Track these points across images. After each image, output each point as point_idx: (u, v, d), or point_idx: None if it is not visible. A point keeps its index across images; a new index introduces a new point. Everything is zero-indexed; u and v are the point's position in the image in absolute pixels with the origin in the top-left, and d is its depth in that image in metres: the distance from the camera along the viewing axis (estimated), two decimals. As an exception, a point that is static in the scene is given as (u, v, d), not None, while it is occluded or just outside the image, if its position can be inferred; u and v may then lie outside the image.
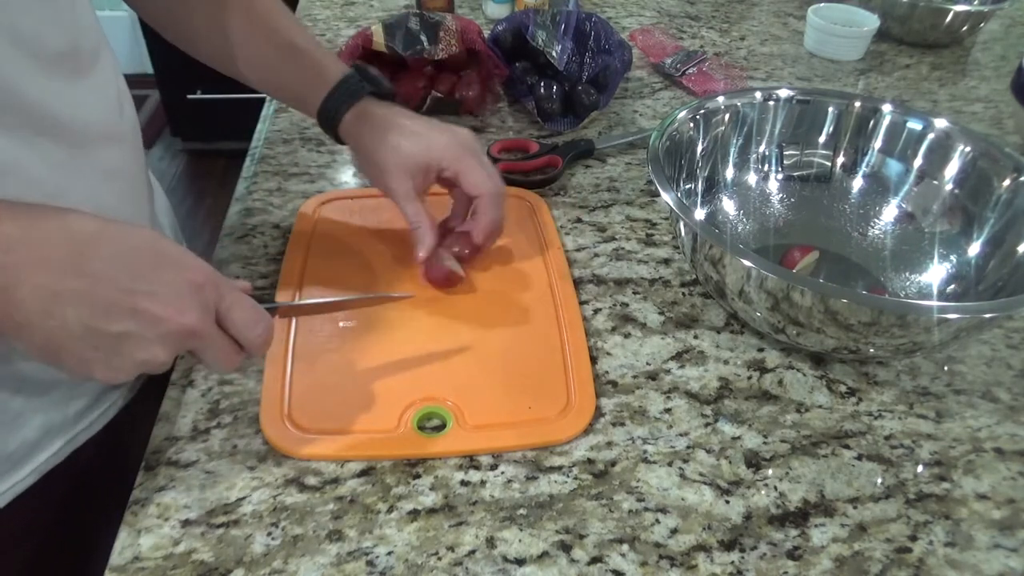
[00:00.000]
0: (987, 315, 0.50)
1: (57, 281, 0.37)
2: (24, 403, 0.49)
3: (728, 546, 0.46)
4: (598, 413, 0.53)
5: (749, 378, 0.57)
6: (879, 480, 0.50)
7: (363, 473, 0.48)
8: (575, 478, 0.49)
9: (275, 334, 0.55)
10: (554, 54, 0.82)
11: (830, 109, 0.70)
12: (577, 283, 0.64)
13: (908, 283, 0.65)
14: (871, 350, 0.54)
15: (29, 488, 0.51)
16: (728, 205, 0.70)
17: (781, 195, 0.71)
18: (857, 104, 0.70)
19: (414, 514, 0.46)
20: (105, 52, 0.53)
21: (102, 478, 0.56)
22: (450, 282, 0.61)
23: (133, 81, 0.61)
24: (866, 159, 0.70)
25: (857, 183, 0.71)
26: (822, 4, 1.08)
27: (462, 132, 0.60)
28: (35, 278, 0.37)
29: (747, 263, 0.51)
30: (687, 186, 0.67)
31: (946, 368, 0.59)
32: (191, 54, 0.64)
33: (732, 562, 0.45)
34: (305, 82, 0.62)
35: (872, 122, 0.69)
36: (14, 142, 0.43)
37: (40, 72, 0.44)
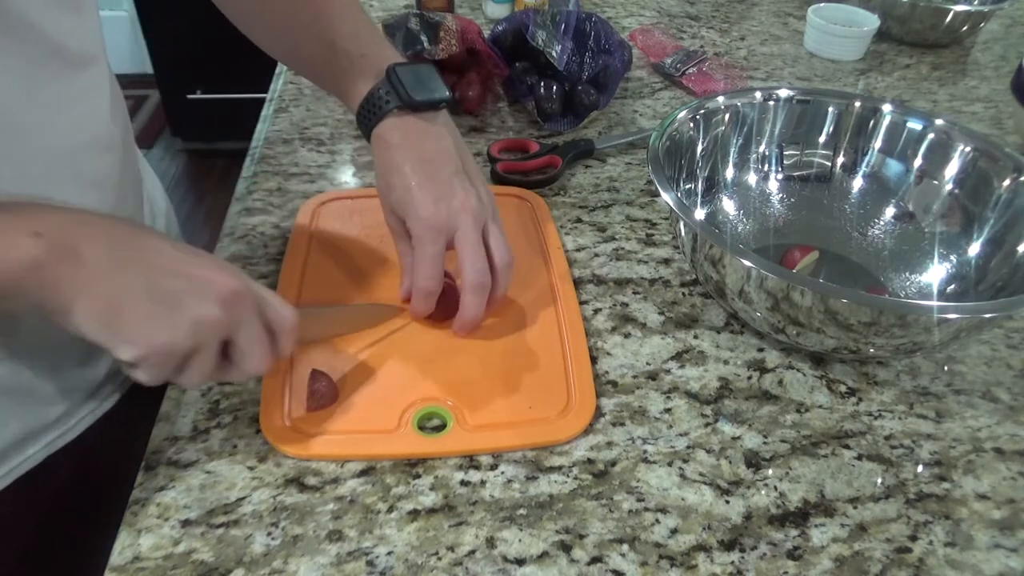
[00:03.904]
0: (987, 315, 0.50)
1: (120, 247, 0.40)
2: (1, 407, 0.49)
3: (728, 546, 0.46)
4: (598, 413, 0.53)
5: (749, 378, 0.57)
6: (879, 480, 0.50)
7: (363, 473, 0.48)
8: (575, 478, 0.49)
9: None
10: (554, 54, 0.82)
11: (830, 109, 0.70)
12: (577, 283, 0.64)
13: (908, 283, 0.65)
14: (871, 350, 0.54)
15: (10, 486, 0.51)
16: (728, 205, 0.70)
17: (781, 195, 0.71)
18: (857, 104, 0.70)
19: (414, 514, 0.46)
20: (99, 60, 0.52)
21: (100, 478, 0.56)
22: (439, 316, 0.57)
23: (133, 81, 0.61)
24: (866, 159, 0.70)
25: (857, 183, 0.71)
26: (822, 4, 1.08)
27: (439, 207, 0.52)
28: (99, 244, 0.39)
29: (747, 263, 0.51)
30: (687, 186, 0.67)
31: (946, 368, 0.59)
32: (246, 33, 0.62)
33: (732, 562, 0.45)
34: (344, 91, 0.58)
35: (872, 122, 0.69)
36: None
37: (22, 77, 0.44)
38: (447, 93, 0.56)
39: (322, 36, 0.57)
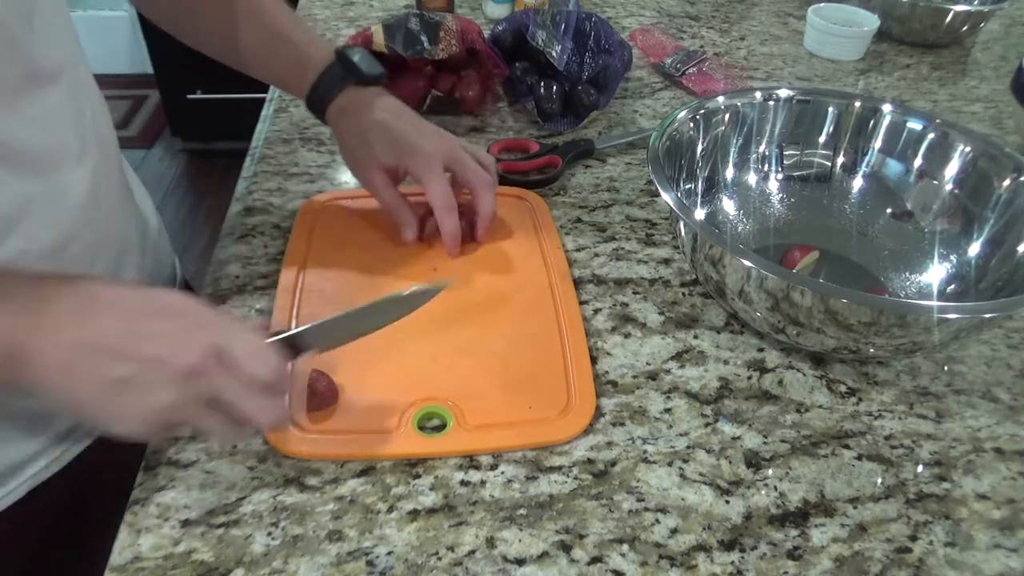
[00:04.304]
0: (987, 315, 0.50)
1: (67, 339, 0.38)
2: (10, 425, 0.50)
3: (728, 546, 0.46)
4: (598, 413, 0.53)
5: (749, 378, 0.57)
6: (879, 480, 0.50)
7: (363, 473, 0.48)
8: (575, 478, 0.49)
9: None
10: (554, 54, 0.82)
11: (830, 109, 0.70)
12: (577, 283, 0.64)
13: (908, 283, 0.65)
14: (871, 350, 0.54)
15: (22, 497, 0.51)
16: (728, 205, 0.70)
17: (781, 195, 0.71)
18: (857, 104, 0.70)
19: (414, 514, 0.46)
20: (71, 71, 0.50)
21: (101, 478, 0.56)
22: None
23: (133, 81, 0.61)
24: (866, 159, 0.70)
25: (857, 183, 0.71)
26: (822, 4, 1.08)
27: (433, 142, 0.62)
28: (45, 340, 0.38)
29: (747, 263, 0.51)
30: (687, 186, 0.67)
31: (946, 368, 0.59)
32: (182, 39, 0.65)
33: (732, 562, 0.45)
34: (291, 73, 0.63)
35: (872, 122, 0.69)
36: None
37: None
38: (383, 70, 0.64)
39: (265, 27, 0.62)
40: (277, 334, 0.44)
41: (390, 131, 0.61)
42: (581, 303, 0.62)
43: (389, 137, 0.61)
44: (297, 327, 0.45)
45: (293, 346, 0.45)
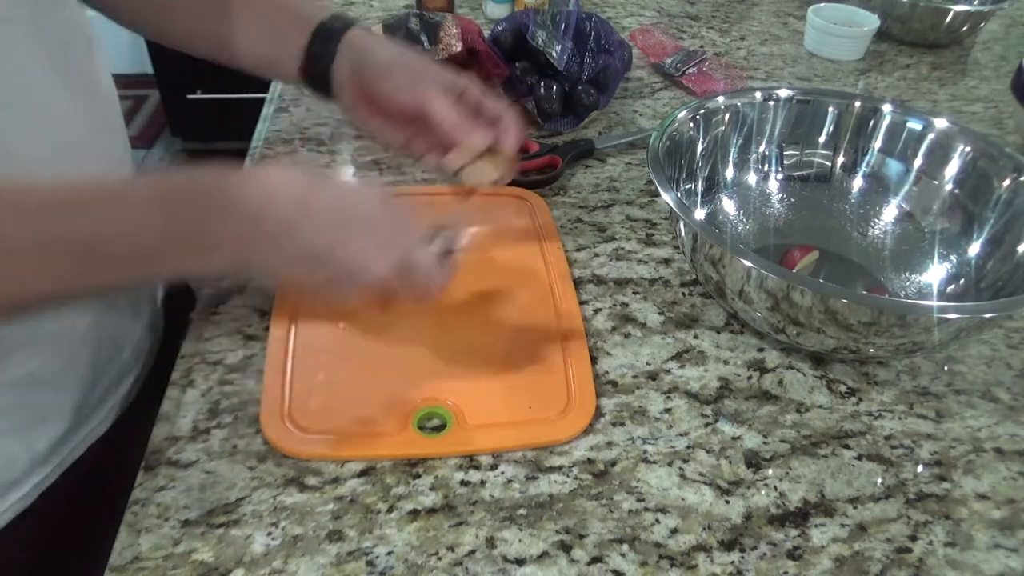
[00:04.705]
0: (987, 315, 0.50)
1: (277, 250, 0.43)
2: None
3: (728, 546, 0.46)
4: (598, 413, 0.53)
5: (749, 378, 0.57)
6: (879, 480, 0.50)
7: (363, 473, 0.48)
8: (575, 478, 0.49)
9: (275, 334, 0.55)
10: (554, 54, 0.82)
11: (830, 109, 0.70)
12: (577, 283, 0.64)
13: (908, 283, 0.65)
14: (871, 350, 0.54)
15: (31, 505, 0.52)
16: (728, 205, 0.70)
17: (781, 195, 0.71)
18: (857, 104, 0.70)
19: (414, 514, 0.46)
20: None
21: (102, 479, 0.56)
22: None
23: (133, 81, 0.61)
24: (866, 159, 0.70)
25: (857, 183, 0.71)
26: (822, 4, 1.08)
27: (447, 71, 0.61)
28: (262, 250, 0.43)
29: (747, 263, 0.51)
30: (687, 186, 0.67)
31: (946, 368, 0.59)
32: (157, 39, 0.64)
33: (732, 562, 0.45)
34: (287, 45, 0.59)
35: (872, 122, 0.69)
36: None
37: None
38: None
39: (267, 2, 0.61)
40: (439, 232, 0.51)
41: (411, 64, 0.59)
42: (581, 303, 0.62)
43: (410, 70, 0.59)
44: (455, 236, 0.53)
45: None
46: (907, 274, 0.65)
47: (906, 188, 0.68)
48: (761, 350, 0.59)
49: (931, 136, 0.67)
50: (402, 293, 0.49)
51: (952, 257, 0.64)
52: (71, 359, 0.53)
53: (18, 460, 0.51)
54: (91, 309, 0.54)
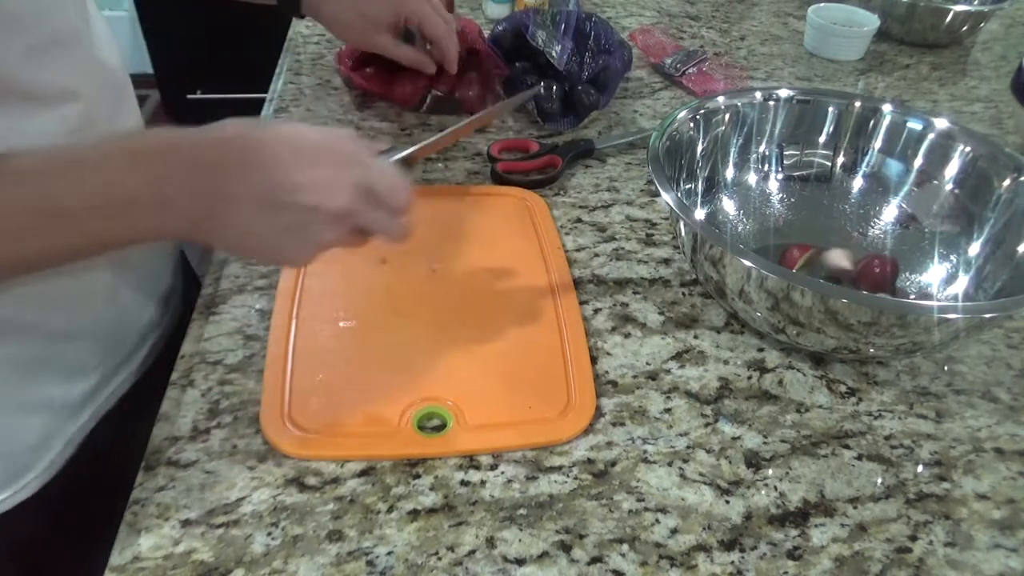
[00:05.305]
0: (987, 315, 0.51)
1: (237, 199, 0.42)
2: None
3: (728, 546, 0.46)
4: (598, 413, 0.53)
5: (749, 378, 0.57)
6: (879, 480, 0.50)
7: (363, 473, 0.48)
8: (575, 478, 0.49)
9: (275, 334, 0.55)
10: (554, 54, 0.82)
11: (830, 109, 0.70)
12: (577, 283, 0.64)
13: (908, 283, 0.65)
14: (871, 350, 0.54)
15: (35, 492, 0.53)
16: (728, 205, 0.70)
17: (781, 195, 0.71)
18: (857, 104, 0.70)
19: (414, 514, 0.46)
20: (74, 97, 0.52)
21: (102, 478, 0.56)
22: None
23: (133, 81, 0.61)
24: (866, 159, 0.70)
25: (857, 183, 0.71)
26: (822, 4, 1.08)
27: None
28: (221, 203, 0.42)
29: (747, 263, 0.51)
30: (687, 186, 0.67)
31: (946, 368, 0.59)
32: None
33: (732, 562, 0.45)
34: None
35: (872, 122, 0.69)
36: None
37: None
38: None
39: None
40: (390, 151, 0.50)
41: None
42: (581, 303, 0.62)
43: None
44: (405, 149, 0.52)
45: (407, 162, 0.51)
46: (907, 274, 0.65)
47: (906, 188, 0.68)
48: (761, 350, 0.59)
49: (931, 136, 0.67)
50: (370, 222, 0.46)
51: (952, 257, 0.64)
52: (95, 316, 0.56)
53: (56, 406, 0.54)
54: (108, 269, 0.56)
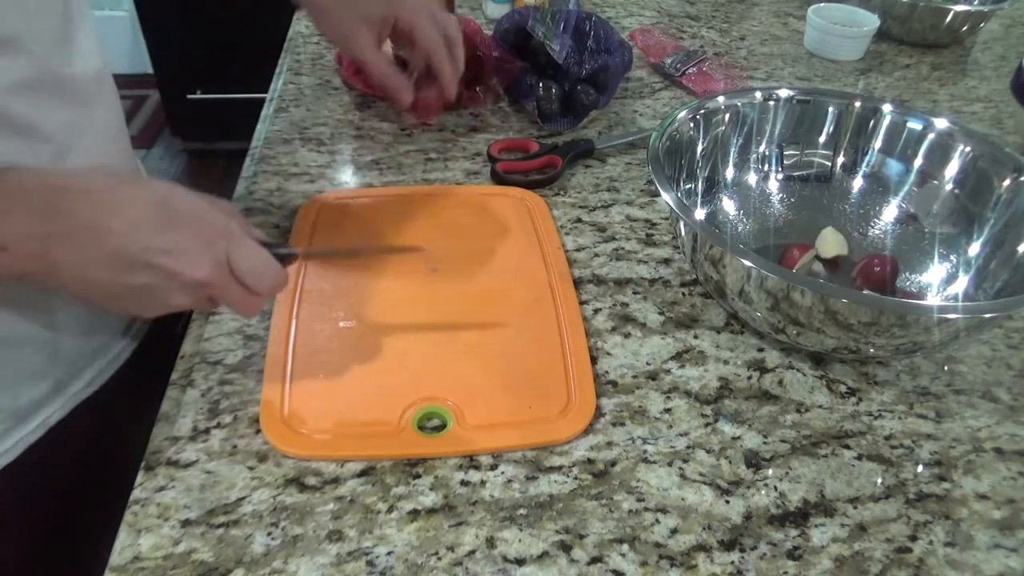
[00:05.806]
0: (987, 315, 0.50)
1: (86, 242, 0.41)
2: (41, 360, 0.53)
3: (728, 546, 0.46)
4: (598, 413, 0.53)
5: (749, 378, 0.57)
6: (879, 480, 0.50)
7: (363, 473, 0.48)
8: (575, 478, 0.49)
9: (275, 334, 0.55)
10: (554, 47, 0.81)
11: (830, 109, 0.70)
12: (577, 283, 0.64)
13: (908, 283, 0.65)
14: (871, 350, 0.54)
15: (23, 470, 0.53)
16: (728, 205, 0.70)
17: (781, 195, 0.71)
18: (857, 104, 0.70)
19: (414, 514, 0.46)
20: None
21: (101, 478, 0.57)
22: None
23: (133, 81, 0.62)
24: (866, 159, 0.70)
25: (857, 183, 0.71)
26: (822, 4, 1.08)
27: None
28: (65, 246, 0.41)
29: (747, 263, 0.51)
30: (687, 186, 0.67)
31: (946, 368, 0.59)
32: None
33: (732, 562, 0.45)
34: None
35: (872, 122, 0.69)
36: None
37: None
38: None
39: None
40: (270, 246, 0.48)
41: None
42: (581, 303, 0.62)
43: (386, 3, 0.64)
44: (290, 249, 0.51)
45: (283, 258, 0.49)
46: (907, 274, 0.65)
47: (906, 188, 0.68)
48: (761, 350, 0.59)
49: (931, 136, 0.67)
50: (224, 296, 0.45)
51: (952, 257, 0.64)
52: (46, 322, 0.54)
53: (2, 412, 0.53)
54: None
